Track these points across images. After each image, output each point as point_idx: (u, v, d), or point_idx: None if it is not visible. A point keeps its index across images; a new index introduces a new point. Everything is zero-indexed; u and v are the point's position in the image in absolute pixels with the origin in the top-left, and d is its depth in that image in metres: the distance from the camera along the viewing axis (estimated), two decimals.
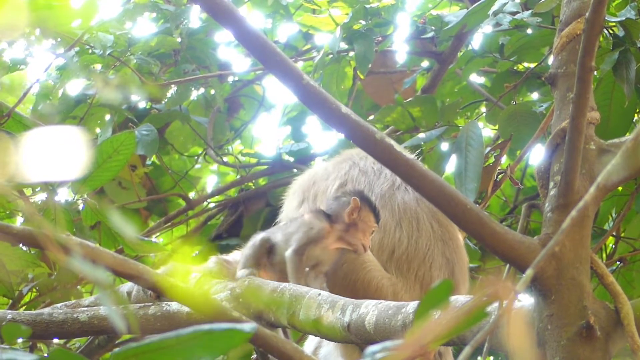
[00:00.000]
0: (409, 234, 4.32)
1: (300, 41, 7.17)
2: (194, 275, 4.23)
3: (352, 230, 3.88)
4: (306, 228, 3.88)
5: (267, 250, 4.02)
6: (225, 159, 7.21)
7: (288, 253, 3.88)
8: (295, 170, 6.95)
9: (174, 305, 4.05)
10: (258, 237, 4.12)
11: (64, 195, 5.90)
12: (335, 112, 2.23)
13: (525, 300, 2.61)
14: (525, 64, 6.08)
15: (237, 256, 4.57)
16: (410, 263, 4.27)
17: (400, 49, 6.45)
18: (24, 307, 5.21)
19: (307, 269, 3.90)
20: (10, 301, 5.14)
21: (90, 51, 6.14)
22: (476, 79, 6.63)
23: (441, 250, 4.33)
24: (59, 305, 4.42)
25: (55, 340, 5.05)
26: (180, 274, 4.15)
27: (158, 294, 3.78)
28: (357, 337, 3.57)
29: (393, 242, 4.32)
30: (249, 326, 1.76)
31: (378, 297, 3.83)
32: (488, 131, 7.05)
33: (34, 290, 5.09)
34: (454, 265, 4.35)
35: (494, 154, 5.78)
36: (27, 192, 5.13)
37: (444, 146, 5.53)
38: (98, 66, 6.35)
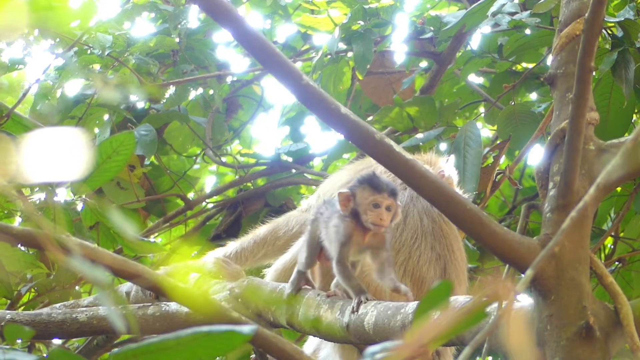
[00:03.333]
0: (394, 227, 4.32)
1: (298, 41, 7.17)
2: (193, 275, 4.23)
3: (361, 216, 3.81)
4: (336, 235, 3.84)
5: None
6: (223, 159, 7.21)
7: (333, 266, 3.83)
8: (293, 170, 6.95)
9: (173, 306, 4.05)
10: (311, 236, 4.02)
11: (62, 195, 5.90)
12: (335, 112, 2.23)
13: (525, 301, 2.61)
14: (524, 65, 6.09)
15: (233, 248, 4.58)
16: (396, 256, 4.26)
17: (398, 49, 6.45)
18: (22, 308, 5.21)
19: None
20: (9, 301, 5.14)
21: (89, 51, 6.14)
22: (475, 79, 6.64)
23: (430, 244, 4.31)
24: (57, 305, 4.42)
25: (54, 340, 5.06)
26: (180, 274, 4.15)
27: (157, 294, 3.78)
28: (356, 337, 3.57)
29: None
30: (248, 328, 1.76)
31: (377, 298, 3.83)
32: (487, 131, 7.06)
33: (33, 290, 5.09)
34: (446, 261, 4.33)
35: (493, 155, 5.78)
36: (26, 192, 5.13)
37: (443, 146, 5.53)
38: (97, 66, 6.35)
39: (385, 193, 3.80)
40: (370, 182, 3.85)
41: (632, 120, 5.72)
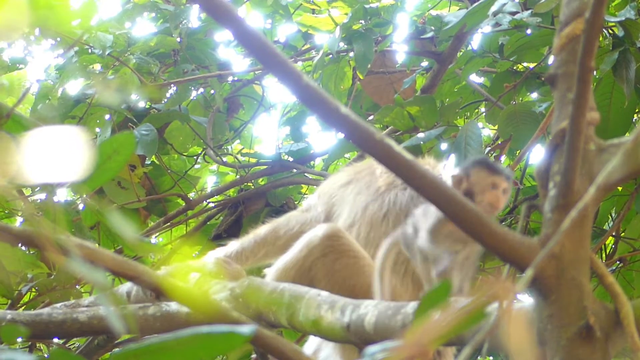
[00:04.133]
0: (395, 227, 4.30)
1: (299, 41, 7.18)
2: (194, 275, 4.23)
3: (475, 197, 3.64)
4: (437, 212, 3.61)
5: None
6: (224, 159, 7.21)
7: (424, 235, 3.65)
8: (294, 170, 6.96)
9: (174, 306, 4.05)
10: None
11: (63, 195, 5.91)
12: (335, 112, 2.22)
13: (525, 301, 2.61)
14: (525, 64, 6.08)
15: (233, 248, 4.57)
16: (397, 256, 4.25)
17: (399, 49, 6.45)
18: (23, 307, 5.21)
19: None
20: (10, 301, 5.15)
21: (89, 51, 6.14)
22: (476, 78, 6.63)
23: None
24: (58, 305, 4.42)
25: (55, 340, 5.06)
26: (180, 274, 4.14)
27: (158, 294, 3.77)
28: (357, 337, 3.56)
29: (379, 235, 4.32)
30: (248, 328, 1.75)
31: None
32: (488, 131, 7.06)
33: (33, 290, 5.10)
34: None
35: (494, 154, 5.78)
36: (27, 192, 5.14)
37: (443, 146, 5.53)
38: (97, 66, 6.36)
39: (503, 176, 3.68)
40: (487, 164, 3.72)
41: (633, 120, 5.73)
